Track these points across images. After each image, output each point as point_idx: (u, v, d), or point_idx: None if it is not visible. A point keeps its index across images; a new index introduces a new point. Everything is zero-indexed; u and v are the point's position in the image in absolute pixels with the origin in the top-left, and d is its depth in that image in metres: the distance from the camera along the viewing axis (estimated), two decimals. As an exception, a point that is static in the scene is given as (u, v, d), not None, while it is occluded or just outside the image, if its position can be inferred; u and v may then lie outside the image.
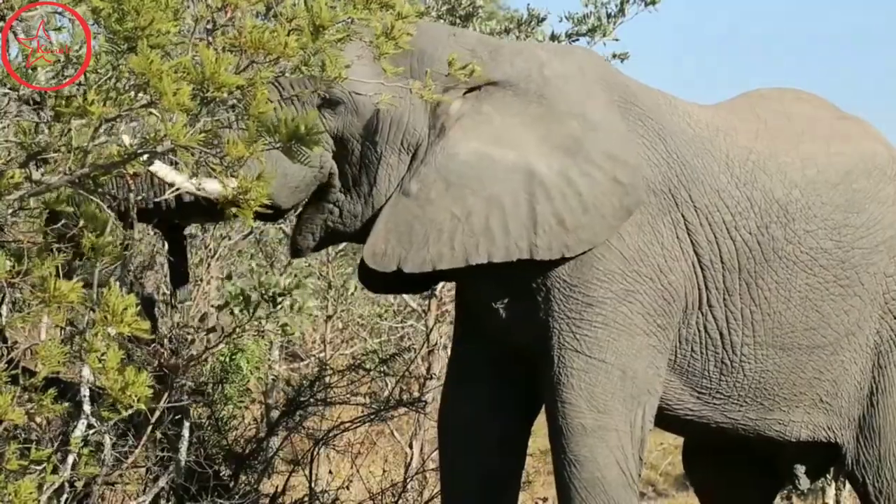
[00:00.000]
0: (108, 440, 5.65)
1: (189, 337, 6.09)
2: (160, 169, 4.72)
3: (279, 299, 6.04)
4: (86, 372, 5.45)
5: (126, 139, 4.43)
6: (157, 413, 5.82)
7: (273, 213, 5.19)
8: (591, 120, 5.58)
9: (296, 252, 5.61)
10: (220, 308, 6.17)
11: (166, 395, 5.82)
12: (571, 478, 5.61)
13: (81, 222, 4.64)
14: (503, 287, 5.60)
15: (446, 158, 5.43)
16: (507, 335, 5.70)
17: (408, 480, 8.08)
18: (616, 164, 5.56)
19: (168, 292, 6.32)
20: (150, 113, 4.01)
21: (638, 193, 5.58)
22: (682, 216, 5.71)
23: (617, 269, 5.60)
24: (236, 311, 6.06)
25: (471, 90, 5.51)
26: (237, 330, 6.09)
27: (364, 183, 5.41)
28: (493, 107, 5.52)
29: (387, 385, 9.26)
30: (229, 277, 8.79)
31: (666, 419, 5.96)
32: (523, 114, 5.53)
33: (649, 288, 5.63)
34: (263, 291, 6.01)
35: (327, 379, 7.33)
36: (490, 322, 5.68)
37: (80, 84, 4.26)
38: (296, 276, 6.43)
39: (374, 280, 5.75)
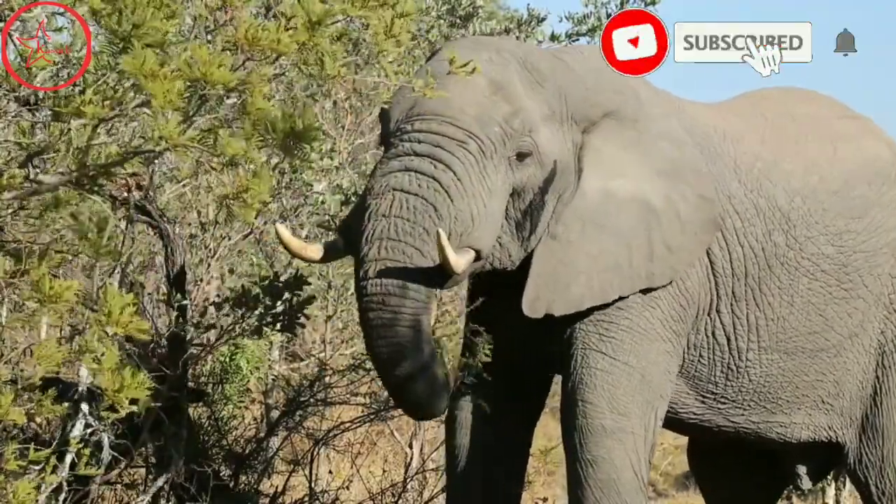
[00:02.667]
0: (106, 440, 5.65)
1: (188, 336, 6.09)
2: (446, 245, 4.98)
3: (283, 294, 6.02)
4: (83, 372, 5.45)
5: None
6: (155, 413, 5.82)
7: (479, 256, 5.24)
8: (676, 138, 5.66)
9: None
10: (218, 305, 6.15)
11: (164, 394, 5.82)
12: (587, 478, 5.61)
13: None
14: None
15: (579, 198, 5.48)
16: (529, 336, 5.70)
17: (408, 480, 8.07)
18: (700, 179, 5.65)
19: (167, 291, 6.31)
20: (144, 112, 4.00)
21: (719, 206, 5.67)
22: None
23: None
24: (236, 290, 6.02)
25: (590, 126, 5.55)
26: (237, 327, 6.08)
27: (526, 227, 5.40)
28: (599, 138, 5.55)
29: (387, 385, 9.22)
30: (231, 272, 8.79)
31: (668, 422, 5.96)
32: (623, 139, 5.57)
33: (669, 294, 5.66)
34: (267, 282, 5.99)
35: (327, 379, 7.31)
36: (514, 322, 5.67)
37: (76, 84, 4.25)
38: (297, 273, 6.42)
39: None
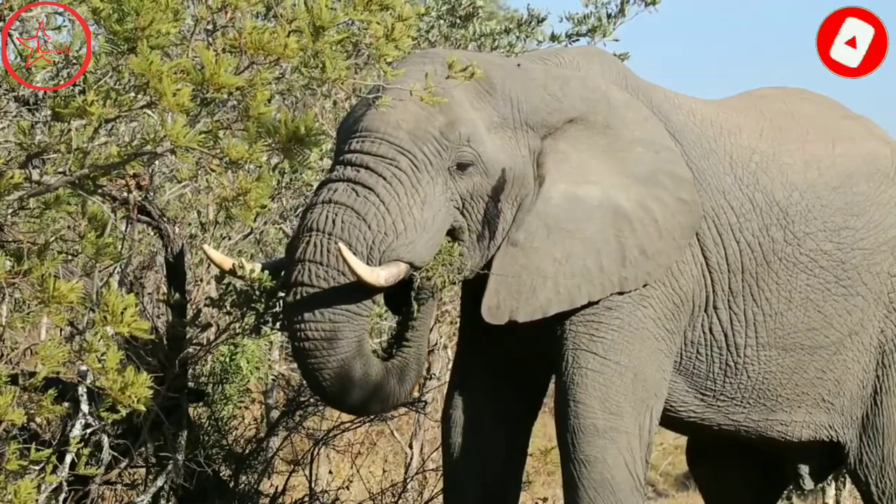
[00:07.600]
0: (105, 440, 5.65)
1: (187, 335, 6.08)
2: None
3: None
4: (84, 371, 5.45)
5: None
6: (155, 413, 5.82)
7: (413, 269, 5.27)
8: (653, 142, 5.64)
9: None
10: (213, 303, 6.14)
11: (164, 394, 5.82)
12: (580, 478, 5.61)
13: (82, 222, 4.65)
14: None
15: (543, 204, 5.47)
16: (522, 337, 5.68)
17: (408, 480, 8.09)
18: (679, 183, 5.63)
19: (167, 291, 6.31)
20: (148, 114, 4.00)
21: (699, 209, 5.66)
22: None
23: None
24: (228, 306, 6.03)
25: (551, 131, 5.54)
26: (235, 325, 6.07)
27: (486, 237, 5.42)
28: (567, 143, 5.54)
29: (387, 385, 9.22)
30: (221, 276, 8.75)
31: (669, 421, 5.97)
32: (593, 146, 5.57)
33: (661, 293, 5.65)
34: (258, 285, 5.98)
35: (328, 379, 7.29)
36: (505, 325, 5.66)
37: (76, 84, 4.25)
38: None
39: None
